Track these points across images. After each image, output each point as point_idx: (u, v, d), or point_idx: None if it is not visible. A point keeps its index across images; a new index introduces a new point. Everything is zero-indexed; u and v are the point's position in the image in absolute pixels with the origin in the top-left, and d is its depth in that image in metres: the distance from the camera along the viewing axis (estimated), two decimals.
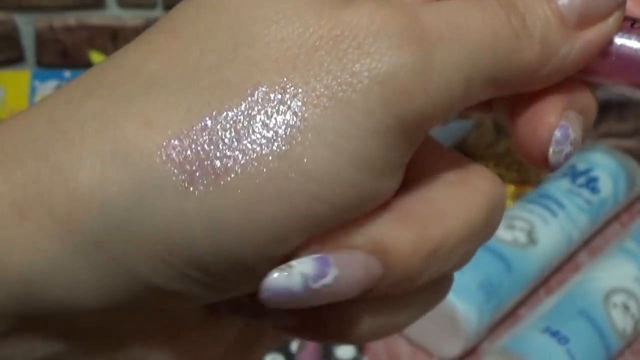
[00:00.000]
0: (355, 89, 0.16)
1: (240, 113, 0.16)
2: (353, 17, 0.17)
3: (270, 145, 0.16)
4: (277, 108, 0.16)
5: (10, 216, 0.16)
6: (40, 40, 0.82)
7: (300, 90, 0.16)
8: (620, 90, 0.20)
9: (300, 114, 0.16)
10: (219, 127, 0.16)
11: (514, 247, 0.62)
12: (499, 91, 0.18)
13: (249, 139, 0.16)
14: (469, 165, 0.19)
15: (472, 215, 0.18)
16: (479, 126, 0.75)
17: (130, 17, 0.82)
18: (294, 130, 0.16)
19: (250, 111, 0.16)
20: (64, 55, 0.83)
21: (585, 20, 0.18)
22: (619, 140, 0.82)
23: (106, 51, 0.80)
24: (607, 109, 0.81)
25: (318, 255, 0.17)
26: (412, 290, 0.18)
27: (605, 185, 0.69)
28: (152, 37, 0.18)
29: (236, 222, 0.16)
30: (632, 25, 0.19)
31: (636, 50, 0.19)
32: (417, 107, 0.17)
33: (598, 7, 0.18)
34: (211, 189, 0.16)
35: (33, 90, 0.80)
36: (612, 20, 0.19)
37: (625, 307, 0.59)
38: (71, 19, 0.81)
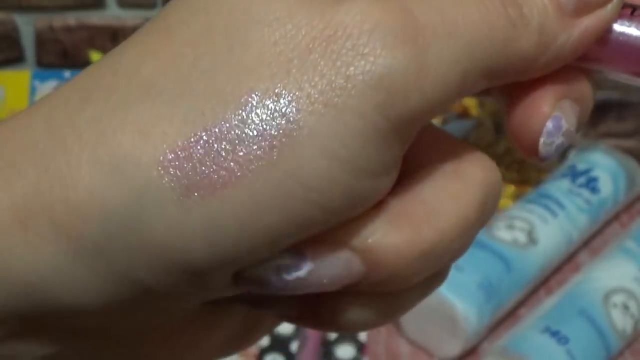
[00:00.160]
0: (349, 94, 0.16)
1: (234, 123, 0.16)
2: (346, 15, 0.16)
3: (265, 155, 0.16)
4: (271, 116, 0.16)
5: (11, 225, 0.16)
6: (40, 40, 0.82)
7: (294, 96, 0.16)
8: (618, 77, 0.19)
9: (295, 121, 0.16)
10: (213, 138, 0.16)
11: (514, 247, 0.62)
12: (495, 81, 0.18)
13: (244, 150, 0.16)
14: (463, 152, 0.19)
15: (467, 211, 0.18)
16: (479, 126, 0.75)
17: (130, 17, 0.82)
18: (290, 139, 0.16)
19: (244, 120, 0.16)
20: (64, 55, 0.83)
21: (583, 7, 0.18)
22: (619, 140, 0.82)
23: (106, 51, 0.79)
24: (607, 109, 0.81)
25: (295, 249, 0.17)
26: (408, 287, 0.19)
27: (605, 185, 0.69)
28: (147, 37, 0.18)
29: (233, 230, 0.16)
30: (632, 12, 0.19)
31: (635, 37, 0.19)
32: (412, 107, 0.17)
33: None
34: (207, 200, 0.16)
35: (33, 90, 0.80)
36: (610, 7, 0.18)
37: (625, 307, 0.59)
38: (71, 19, 0.81)
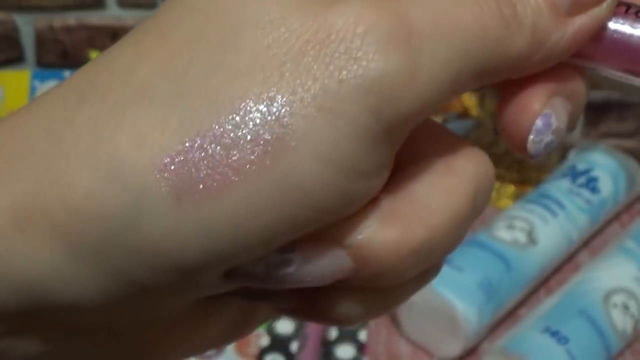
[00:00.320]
0: (342, 98, 0.16)
1: (228, 127, 0.16)
2: (339, 18, 0.16)
3: (259, 159, 0.16)
4: (265, 120, 0.16)
5: (10, 225, 0.17)
6: (40, 40, 0.82)
7: (287, 100, 0.16)
8: (612, 74, 0.19)
9: (288, 125, 0.16)
10: (207, 143, 0.16)
11: (514, 247, 0.62)
12: (488, 80, 0.18)
13: (238, 155, 0.16)
14: (455, 145, 0.19)
15: (458, 206, 0.18)
16: (479, 126, 0.75)
17: (130, 17, 0.82)
18: (283, 143, 0.16)
19: (238, 125, 0.16)
20: (63, 55, 0.83)
21: (578, 6, 0.18)
22: (619, 140, 0.82)
23: None
24: (607, 109, 0.81)
25: (285, 246, 0.17)
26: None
27: (605, 185, 0.69)
28: (143, 37, 0.18)
29: (228, 233, 0.16)
30: (626, 10, 0.19)
31: (630, 35, 0.19)
32: (405, 109, 0.17)
33: None
34: (203, 204, 0.16)
35: (33, 90, 0.80)
36: (606, 6, 0.18)
37: (625, 307, 0.59)
38: (71, 19, 0.81)
